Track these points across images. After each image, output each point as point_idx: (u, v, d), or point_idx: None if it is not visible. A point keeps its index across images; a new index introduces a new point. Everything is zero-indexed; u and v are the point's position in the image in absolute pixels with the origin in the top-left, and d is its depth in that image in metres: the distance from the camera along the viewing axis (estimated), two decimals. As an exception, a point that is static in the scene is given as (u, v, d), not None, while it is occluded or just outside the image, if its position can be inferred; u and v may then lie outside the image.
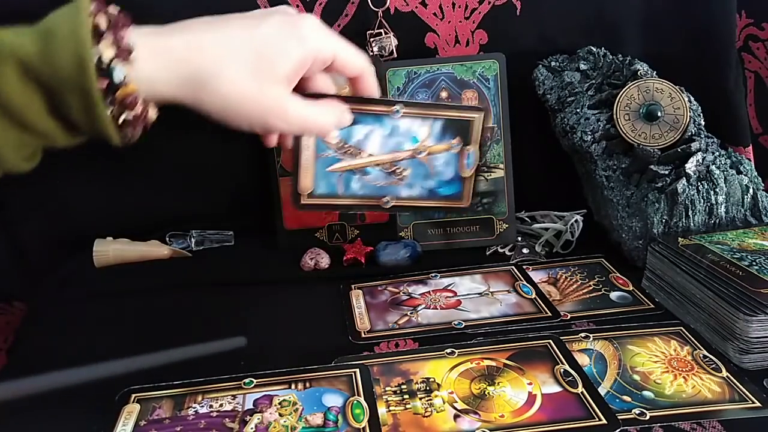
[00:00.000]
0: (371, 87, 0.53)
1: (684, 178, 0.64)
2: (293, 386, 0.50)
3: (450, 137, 0.59)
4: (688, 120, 0.68)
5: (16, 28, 0.40)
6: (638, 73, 0.72)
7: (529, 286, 0.66)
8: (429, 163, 0.59)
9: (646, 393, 0.49)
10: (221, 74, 0.43)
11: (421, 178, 0.59)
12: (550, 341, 0.55)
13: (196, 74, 0.43)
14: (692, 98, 0.71)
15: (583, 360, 0.53)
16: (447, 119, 0.58)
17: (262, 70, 0.44)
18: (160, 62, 0.43)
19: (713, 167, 0.65)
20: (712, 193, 0.64)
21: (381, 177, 0.58)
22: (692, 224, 0.65)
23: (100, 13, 0.41)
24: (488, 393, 0.49)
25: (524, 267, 0.70)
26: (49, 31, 0.39)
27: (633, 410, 0.47)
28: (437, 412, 0.47)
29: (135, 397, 0.50)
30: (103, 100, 0.40)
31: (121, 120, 0.42)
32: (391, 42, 0.75)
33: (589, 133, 0.72)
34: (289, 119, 0.47)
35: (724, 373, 0.51)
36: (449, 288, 0.66)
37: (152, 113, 0.45)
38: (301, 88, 0.49)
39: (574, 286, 0.66)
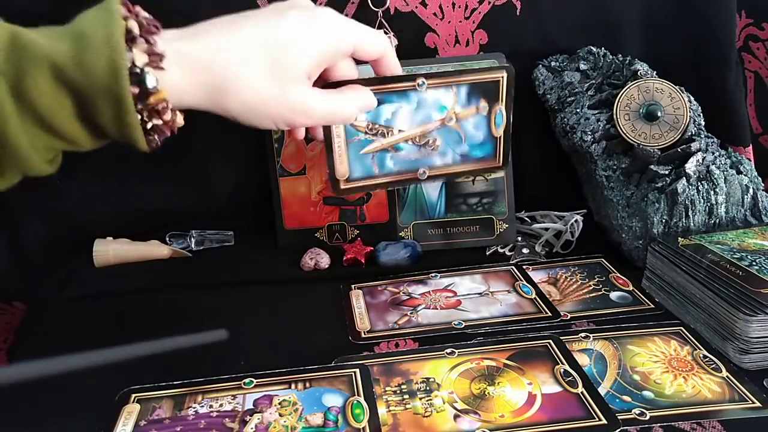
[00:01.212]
0: (394, 66, 0.53)
1: (684, 178, 0.64)
2: (293, 386, 0.50)
3: (477, 100, 0.59)
4: (688, 120, 0.68)
5: (47, 29, 0.40)
6: (638, 73, 0.72)
7: (529, 286, 0.66)
8: (459, 129, 0.59)
9: (646, 393, 0.49)
10: (239, 80, 0.43)
11: (453, 145, 0.59)
12: (550, 341, 0.55)
13: (216, 81, 0.42)
14: (692, 98, 0.71)
15: (583, 360, 0.53)
16: (472, 83, 0.58)
17: (281, 71, 0.44)
18: (184, 68, 0.42)
19: (713, 167, 0.65)
20: (712, 193, 0.64)
21: (414, 151, 0.58)
22: (692, 224, 0.65)
23: (131, 17, 0.40)
24: (488, 393, 0.49)
25: (524, 267, 0.70)
26: (82, 35, 0.38)
27: (633, 410, 0.47)
28: (437, 412, 0.47)
29: (135, 397, 0.50)
30: (135, 107, 0.40)
31: (149, 126, 0.42)
32: (391, 42, 0.75)
33: (589, 133, 0.72)
34: (313, 115, 0.46)
35: (724, 373, 0.51)
36: (449, 288, 0.66)
37: (179, 119, 0.44)
38: (324, 77, 0.49)
39: (574, 286, 0.66)
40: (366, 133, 0.57)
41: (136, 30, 0.40)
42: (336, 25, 0.46)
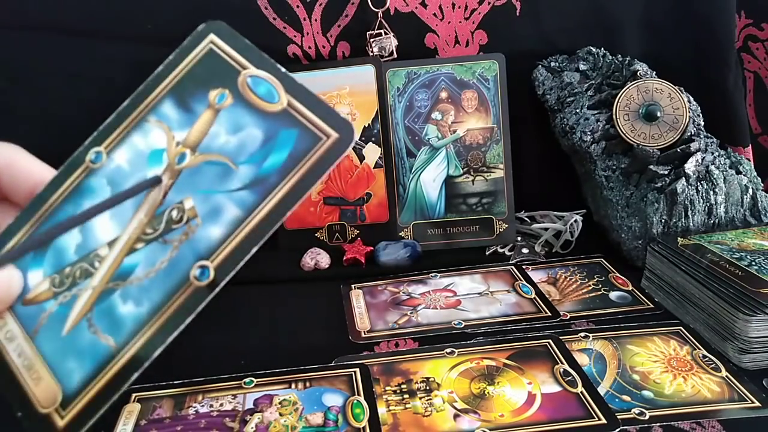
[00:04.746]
0: (28, 168, 0.36)
1: (683, 178, 0.64)
2: (293, 386, 0.51)
3: (202, 97, 0.35)
4: (687, 120, 0.68)
5: None
6: (638, 73, 0.72)
7: (528, 285, 0.66)
8: (209, 157, 0.34)
9: (645, 393, 0.49)
10: None
11: (221, 186, 0.33)
12: (550, 341, 0.55)
13: None
14: (691, 98, 0.71)
15: (582, 360, 0.53)
16: (175, 84, 0.36)
17: None
18: None
19: (712, 167, 0.65)
20: (711, 193, 0.64)
21: (159, 250, 0.32)
22: (691, 224, 0.65)
23: None
24: (488, 393, 0.49)
25: (524, 267, 0.70)
26: None
27: (632, 410, 0.47)
28: (437, 411, 0.47)
29: (135, 396, 0.50)
30: None
31: None
32: (391, 42, 0.75)
33: (589, 133, 0.72)
34: None
35: (724, 373, 0.51)
36: (449, 288, 0.66)
37: None
38: None
39: (574, 286, 0.66)
40: (56, 295, 0.32)
41: None
42: None
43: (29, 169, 0.36)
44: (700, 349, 0.54)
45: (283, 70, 0.34)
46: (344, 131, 0.32)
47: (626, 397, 0.48)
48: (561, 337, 0.56)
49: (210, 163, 0.33)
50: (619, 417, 0.46)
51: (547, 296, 0.64)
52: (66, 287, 0.32)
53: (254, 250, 0.33)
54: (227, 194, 0.33)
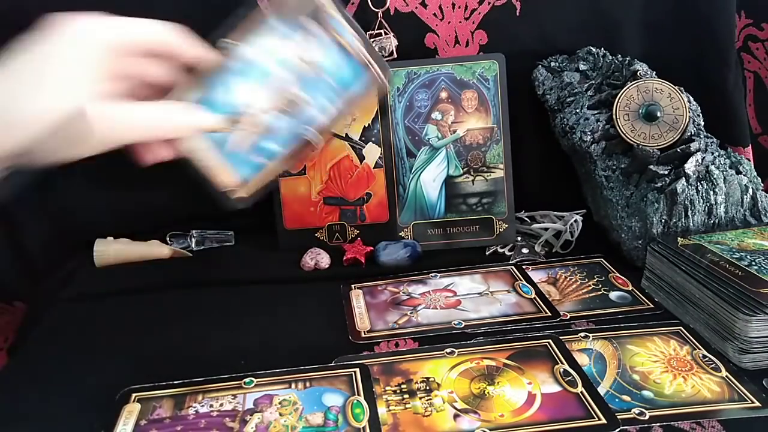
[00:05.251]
0: (185, 44, 0.47)
1: (683, 178, 0.64)
2: (293, 386, 0.51)
3: (297, 24, 0.48)
4: (687, 120, 0.68)
5: None
6: (638, 73, 0.72)
7: (528, 285, 0.66)
8: (316, 70, 0.49)
9: (645, 393, 0.49)
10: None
11: (324, 92, 0.49)
12: (550, 341, 0.55)
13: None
14: (691, 98, 0.71)
15: (582, 360, 0.53)
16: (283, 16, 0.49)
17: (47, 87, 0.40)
18: None
19: (712, 167, 0.65)
20: (711, 193, 0.64)
21: (287, 120, 0.49)
22: (691, 224, 0.65)
23: None
24: (488, 393, 0.49)
25: (524, 267, 0.70)
26: None
27: (632, 410, 0.47)
28: (437, 411, 0.47)
29: (135, 396, 0.50)
30: None
31: None
32: (391, 42, 0.75)
33: (589, 133, 0.72)
34: (119, 134, 0.43)
35: (724, 373, 0.51)
36: (449, 288, 0.66)
37: None
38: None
39: (574, 285, 0.66)
40: (234, 129, 0.50)
41: None
42: (93, 32, 0.44)
43: (186, 52, 0.48)
44: (700, 349, 0.54)
45: (350, 15, 0.49)
46: (389, 78, 0.51)
47: (626, 397, 0.48)
48: (561, 337, 0.56)
49: (318, 77, 0.49)
50: (619, 417, 0.46)
51: (547, 296, 0.64)
52: (236, 126, 0.49)
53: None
54: (325, 96, 0.50)
